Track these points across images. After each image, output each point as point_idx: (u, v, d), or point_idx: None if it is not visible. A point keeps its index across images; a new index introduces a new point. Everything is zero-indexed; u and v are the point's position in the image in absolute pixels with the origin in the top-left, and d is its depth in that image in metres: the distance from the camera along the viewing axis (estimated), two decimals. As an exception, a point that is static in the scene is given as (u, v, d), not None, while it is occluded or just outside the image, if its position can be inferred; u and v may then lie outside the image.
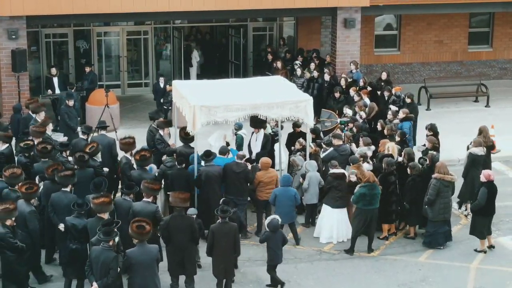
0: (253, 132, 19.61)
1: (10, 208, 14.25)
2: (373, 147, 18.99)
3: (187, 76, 29.41)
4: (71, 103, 21.68)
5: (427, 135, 19.48)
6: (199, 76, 29.35)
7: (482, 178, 16.80)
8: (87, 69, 25.89)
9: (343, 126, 20.67)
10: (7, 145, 18.16)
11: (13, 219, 14.31)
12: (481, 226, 16.94)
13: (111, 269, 13.11)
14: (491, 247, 17.23)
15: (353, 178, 17.24)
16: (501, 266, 16.62)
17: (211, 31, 31.49)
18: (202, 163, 17.62)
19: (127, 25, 28.89)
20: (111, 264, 13.12)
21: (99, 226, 13.76)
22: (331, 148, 18.65)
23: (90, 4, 23.59)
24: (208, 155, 17.62)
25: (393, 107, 21.84)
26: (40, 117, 19.95)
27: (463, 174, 19.15)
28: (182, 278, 15.31)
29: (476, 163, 18.86)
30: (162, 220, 15.19)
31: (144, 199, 15.52)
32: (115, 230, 13.50)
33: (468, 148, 19.36)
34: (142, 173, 16.98)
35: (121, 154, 18.42)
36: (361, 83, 24.09)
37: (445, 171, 16.93)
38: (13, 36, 23.55)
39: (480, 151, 18.98)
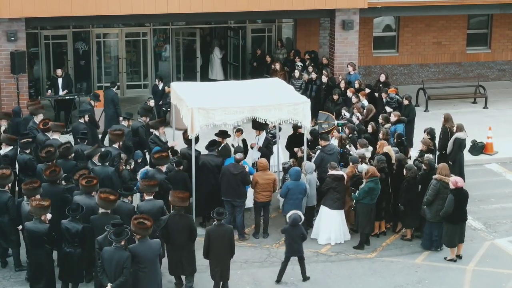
0: (256, 136, 19.67)
1: (44, 204, 14.57)
2: (370, 148, 19.08)
3: (190, 77, 29.56)
4: (95, 103, 22.26)
5: (423, 138, 19.53)
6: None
7: (450, 185, 16.60)
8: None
9: (340, 128, 20.71)
10: (11, 147, 18.23)
11: (47, 215, 14.63)
12: (451, 234, 16.73)
13: (125, 268, 13.32)
14: (458, 256, 16.99)
15: (361, 169, 17.45)
16: (497, 268, 16.66)
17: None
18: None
19: (126, 26, 28.93)
20: (125, 264, 13.32)
21: (108, 226, 13.94)
22: (318, 151, 18.74)
23: (88, 6, 23.63)
24: (212, 144, 18.07)
25: (388, 109, 21.88)
26: (38, 119, 20.05)
27: (450, 159, 19.89)
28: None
29: (462, 147, 20.15)
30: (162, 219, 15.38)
31: (146, 197, 15.65)
32: (126, 229, 13.68)
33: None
34: (155, 173, 17.17)
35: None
36: (356, 85, 24.12)
37: (446, 173, 16.99)
38: (12, 38, 23.60)
39: (464, 135, 19.99)
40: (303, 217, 15.97)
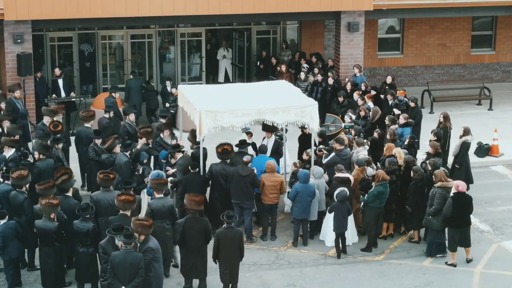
0: (264, 137, 19.71)
1: (53, 203, 14.82)
2: (367, 147, 19.18)
3: (195, 79, 29.59)
4: (116, 95, 23.22)
5: (430, 140, 19.58)
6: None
7: (453, 189, 16.64)
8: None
9: (347, 130, 20.75)
10: (14, 149, 18.32)
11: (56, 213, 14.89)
12: (452, 238, 16.72)
13: (140, 268, 13.46)
14: (467, 260, 16.94)
15: (370, 173, 17.56)
16: (505, 270, 16.71)
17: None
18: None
19: (131, 28, 28.96)
20: (140, 264, 13.46)
21: (109, 229, 14.11)
22: (333, 153, 18.77)
23: (95, 8, 23.68)
24: (242, 143, 18.71)
25: (397, 111, 21.90)
26: (45, 120, 20.32)
27: (457, 162, 20.02)
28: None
29: (468, 150, 20.29)
30: (177, 217, 15.70)
31: (157, 195, 15.82)
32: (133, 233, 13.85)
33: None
34: (224, 166, 17.68)
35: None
36: (363, 87, 24.13)
37: (445, 178, 16.98)
38: (19, 40, 23.64)
39: (471, 138, 20.21)
40: (348, 192, 16.89)
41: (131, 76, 26.34)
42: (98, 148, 19.01)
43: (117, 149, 18.42)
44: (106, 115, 21.01)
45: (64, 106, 21.96)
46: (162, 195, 15.82)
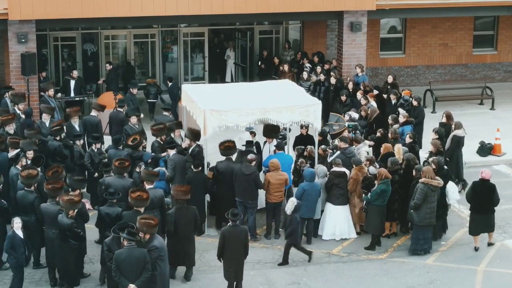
0: (265, 142, 19.76)
1: (75, 200, 14.92)
2: (367, 142, 19.28)
3: (198, 78, 29.66)
4: (135, 91, 23.94)
5: (432, 139, 19.67)
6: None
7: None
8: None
9: (350, 129, 20.82)
10: (18, 150, 18.35)
11: (75, 210, 14.95)
12: (472, 223, 17.33)
13: (147, 263, 13.57)
14: (489, 244, 17.56)
15: (373, 171, 17.65)
16: (507, 269, 16.78)
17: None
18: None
19: (134, 28, 29.04)
20: (146, 259, 13.58)
21: (114, 228, 14.22)
22: (338, 152, 18.85)
23: (98, 8, 23.77)
24: (248, 143, 19.15)
25: (401, 111, 21.98)
26: (45, 117, 20.66)
27: (448, 155, 20.22)
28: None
29: (460, 145, 20.51)
30: (166, 206, 16.05)
31: (147, 186, 16.04)
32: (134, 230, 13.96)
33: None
34: (229, 163, 17.87)
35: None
36: (361, 87, 24.18)
37: (431, 176, 17.06)
38: (23, 40, 23.72)
39: (463, 132, 20.44)
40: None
41: (110, 67, 26.71)
42: (94, 155, 18.93)
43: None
44: (121, 109, 21.50)
45: (79, 108, 21.97)
46: (152, 186, 16.10)
